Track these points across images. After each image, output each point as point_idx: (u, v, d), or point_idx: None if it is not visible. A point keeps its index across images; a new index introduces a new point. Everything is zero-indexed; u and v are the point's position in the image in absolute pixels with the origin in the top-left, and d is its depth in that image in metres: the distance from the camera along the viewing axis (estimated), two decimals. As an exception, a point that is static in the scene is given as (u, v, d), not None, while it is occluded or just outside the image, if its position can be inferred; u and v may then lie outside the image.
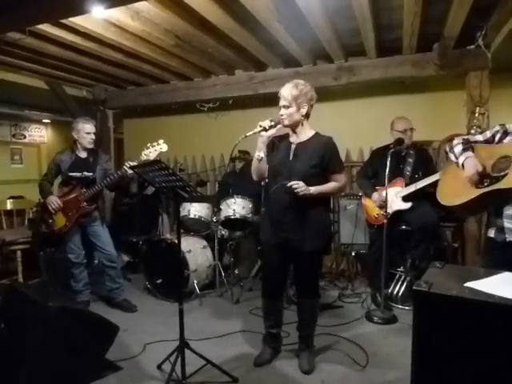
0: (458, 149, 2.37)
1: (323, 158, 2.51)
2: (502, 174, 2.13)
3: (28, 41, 3.54)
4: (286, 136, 2.64)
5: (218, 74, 4.95)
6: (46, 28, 3.29)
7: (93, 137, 3.67)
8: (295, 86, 2.49)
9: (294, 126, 2.57)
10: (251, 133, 2.47)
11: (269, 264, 2.75)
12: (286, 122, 2.53)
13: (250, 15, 3.13)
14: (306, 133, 2.60)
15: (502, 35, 3.44)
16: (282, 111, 2.51)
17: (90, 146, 3.69)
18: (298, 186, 2.39)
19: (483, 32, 3.57)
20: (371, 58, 4.24)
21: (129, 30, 3.52)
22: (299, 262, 2.63)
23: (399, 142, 3.48)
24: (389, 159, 3.33)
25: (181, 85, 5.19)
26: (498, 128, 2.39)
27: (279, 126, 2.51)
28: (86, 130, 3.63)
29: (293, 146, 2.58)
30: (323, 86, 4.47)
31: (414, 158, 3.68)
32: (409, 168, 3.68)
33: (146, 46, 3.88)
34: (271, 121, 2.49)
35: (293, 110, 2.49)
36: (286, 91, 2.49)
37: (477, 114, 3.81)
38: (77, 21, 3.16)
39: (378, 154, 3.76)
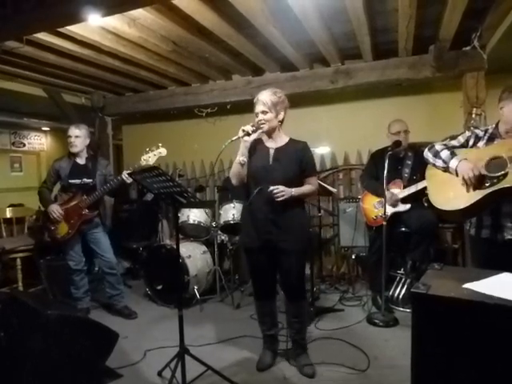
0: (445, 154, 2.36)
1: (301, 163, 2.59)
2: (503, 173, 2.13)
3: (25, 49, 3.55)
4: (261, 141, 2.69)
5: (215, 80, 4.97)
6: (42, 36, 3.30)
7: (72, 140, 3.62)
8: (274, 94, 2.57)
9: (271, 132, 2.63)
10: (236, 138, 2.51)
11: (255, 267, 2.75)
12: (266, 128, 2.57)
13: (245, 20, 3.15)
14: (281, 138, 2.67)
15: (497, 36, 3.45)
16: (261, 116, 2.56)
17: (72, 151, 3.65)
18: (279, 190, 2.43)
19: (478, 33, 3.58)
20: (367, 61, 4.25)
21: (125, 37, 3.54)
22: (284, 263, 2.63)
23: (397, 144, 3.49)
24: (386, 161, 3.34)
25: (179, 90, 5.21)
26: (469, 133, 2.44)
27: (259, 130, 2.56)
28: (67, 134, 3.65)
29: (271, 151, 2.63)
30: (320, 90, 4.50)
31: (413, 159, 3.68)
32: (407, 170, 3.68)
33: (143, 53, 3.90)
34: (252, 125, 2.53)
35: (272, 115, 2.55)
36: (266, 97, 2.55)
37: (474, 115, 3.83)
38: (73, 29, 3.17)
39: (378, 156, 3.77)
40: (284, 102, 2.61)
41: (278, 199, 2.43)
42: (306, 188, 2.61)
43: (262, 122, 2.55)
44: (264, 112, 2.55)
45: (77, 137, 3.63)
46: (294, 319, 2.75)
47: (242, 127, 2.51)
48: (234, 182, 2.69)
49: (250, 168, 2.62)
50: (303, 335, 2.80)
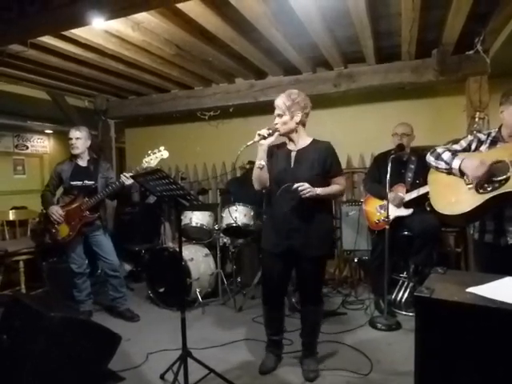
0: (446, 155, 2.36)
1: (325, 163, 2.57)
2: (504, 177, 2.13)
3: (29, 53, 3.57)
4: (284, 144, 2.71)
5: (218, 83, 4.98)
6: (47, 40, 3.31)
7: (73, 142, 3.65)
8: (288, 96, 2.57)
9: (289, 134, 2.63)
10: (251, 142, 2.52)
11: (270, 273, 2.73)
12: (282, 130, 2.58)
13: (248, 24, 3.16)
14: (303, 140, 2.65)
15: (500, 40, 3.46)
16: (277, 120, 2.58)
17: (74, 152, 3.68)
18: (304, 187, 2.41)
19: (481, 37, 3.58)
20: (370, 65, 4.26)
21: (129, 41, 3.55)
22: (303, 268, 2.63)
23: (400, 147, 3.49)
24: (389, 165, 3.34)
25: (181, 94, 5.22)
26: (471, 137, 2.44)
27: (276, 133, 2.57)
28: (68, 137, 3.67)
29: (293, 154, 2.63)
30: (323, 93, 4.50)
31: (416, 163, 3.67)
32: (410, 174, 3.68)
33: (147, 56, 3.91)
34: (268, 129, 2.54)
35: (287, 118, 2.56)
36: (280, 101, 2.57)
37: (477, 119, 3.83)
38: (78, 32, 3.19)
39: (381, 159, 3.76)
40: (299, 104, 2.56)
41: (304, 196, 2.42)
42: (333, 188, 2.57)
43: (278, 125, 2.56)
44: (279, 115, 2.57)
45: (77, 139, 3.66)
46: (308, 323, 2.75)
47: (258, 131, 2.52)
48: (256, 186, 2.68)
49: (272, 172, 2.62)
50: (313, 339, 2.78)
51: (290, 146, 2.67)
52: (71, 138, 3.65)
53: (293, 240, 2.55)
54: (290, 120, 2.57)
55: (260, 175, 2.61)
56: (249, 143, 2.51)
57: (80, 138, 3.67)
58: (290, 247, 2.56)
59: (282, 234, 2.58)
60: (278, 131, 2.57)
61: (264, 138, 2.51)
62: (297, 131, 2.63)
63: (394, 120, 3.86)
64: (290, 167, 2.60)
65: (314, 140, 2.67)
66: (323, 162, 2.56)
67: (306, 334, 2.78)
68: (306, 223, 2.54)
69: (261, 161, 2.56)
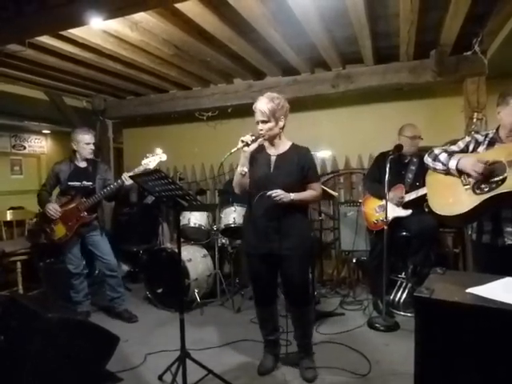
0: (443, 156, 2.38)
1: (303, 169, 2.57)
2: (501, 177, 2.13)
3: (27, 52, 3.56)
4: (263, 148, 2.67)
5: (216, 83, 4.98)
6: (45, 40, 3.30)
7: (92, 147, 3.71)
8: (271, 101, 2.51)
9: (272, 139, 2.61)
10: (235, 149, 2.48)
11: (256, 274, 2.74)
12: (267, 137, 2.56)
13: (247, 24, 3.16)
14: (283, 144, 2.65)
15: (497, 41, 3.46)
16: (261, 126, 2.53)
17: (90, 157, 3.72)
18: (277, 194, 2.42)
19: (479, 38, 3.59)
20: (369, 65, 4.26)
21: (127, 41, 3.54)
22: (286, 270, 2.63)
23: (398, 148, 3.49)
24: (388, 165, 3.33)
25: (180, 94, 5.22)
26: (469, 138, 2.46)
27: (260, 139, 2.54)
28: (85, 141, 3.65)
29: (272, 158, 2.62)
30: (321, 94, 4.50)
31: (417, 165, 3.66)
32: (410, 175, 3.68)
33: (145, 56, 3.90)
34: (252, 135, 2.50)
35: (272, 124, 2.52)
36: (263, 106, 2.50)
37: (474, 120, 3.83)
38: (76, 32, 3.18)
39: (382, 160, 3.75)
40: (283, 108, 2.54)
41: (278, 202, 2.42)
42: (307, 193, 2.58)
43: (263, 132, 2.52)
44: (264, 122, 2.52)
45: (94, 143, 3.73)
46: (299, 324, 2.73)
47: (242, 138, 2.49)
48: (236, 191, 2.70)
49: (252, 176, 2.61)
50: (307, 340, 2.78)
51: (270, 151, 2.65)
52: (89, 143, 3.68)
53: (274, 243, 2.54)
54: (275, 126, 2.54)
55: (242, 181, 2.62)
56: (233, 150, 2.47)
57: (95, 143, 3.76)
58: (271, 249, 2.56)
59: (262, 237, 2.58)
60: (263, 137, 2.55)
61: (247, 144, 2.47)
62: (279, 137, 2.63)
63: (392, 121, 3.86)
64: (269, 172, 2.59)
65: (293, 144, 2.66)
66: (301, 167, 2.56)
67: (299, 335, 2.77)
68: (283, 226, 2.54)
69: (243, 167, 2.56)
